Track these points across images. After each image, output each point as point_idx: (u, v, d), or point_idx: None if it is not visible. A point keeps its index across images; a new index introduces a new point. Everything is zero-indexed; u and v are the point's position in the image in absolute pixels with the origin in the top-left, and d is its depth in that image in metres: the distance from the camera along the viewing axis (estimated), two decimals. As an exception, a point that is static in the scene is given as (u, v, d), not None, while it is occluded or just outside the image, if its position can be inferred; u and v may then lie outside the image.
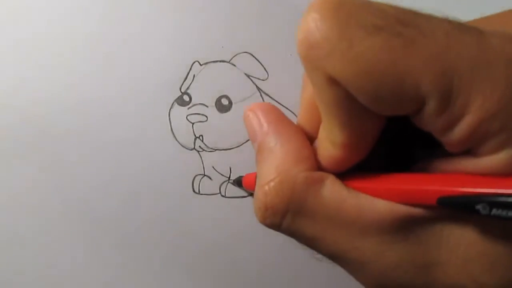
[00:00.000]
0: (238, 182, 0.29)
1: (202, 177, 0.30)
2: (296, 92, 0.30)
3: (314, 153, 0.18)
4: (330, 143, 0.17)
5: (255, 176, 0.24)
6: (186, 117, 0.30)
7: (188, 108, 0.30)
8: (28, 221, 0.30)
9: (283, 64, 0.30)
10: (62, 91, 0.30)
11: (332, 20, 0.14)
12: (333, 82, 0.15)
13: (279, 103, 0.30)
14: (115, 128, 0.30)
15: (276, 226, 0.18)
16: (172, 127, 0.30)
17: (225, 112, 0.30)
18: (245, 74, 0.30)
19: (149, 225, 0.30)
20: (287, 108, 0.30)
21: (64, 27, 0.30)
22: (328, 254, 0.18)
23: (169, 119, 0.30)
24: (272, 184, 0.17)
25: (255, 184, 0.22)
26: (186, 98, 0.30)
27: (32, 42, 0.30)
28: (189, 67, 0.30)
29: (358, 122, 0.16)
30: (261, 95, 0.30)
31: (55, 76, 0.30)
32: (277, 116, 0.20)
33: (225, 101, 0.30)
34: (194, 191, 0.30)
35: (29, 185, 0.30)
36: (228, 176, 0.30)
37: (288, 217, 0.18)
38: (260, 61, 0.30)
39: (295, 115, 0.30)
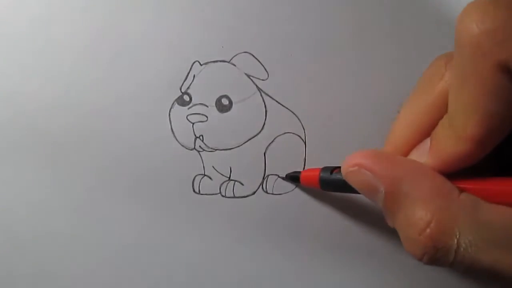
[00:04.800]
0: (293, 178, 0.29)
1: (202, 177, 0.30)
2: (296, 92, 0.30)
3: (435, 163, 0.19)
4: (455, 139, 0.17)
5: (318, 174, 0.26)
6: (186, 117, 0.30)
7: (188, 108, 0.30)
8: (28, 221, 0.30)
9: (283, 64, 0.30)
10: (62, 91, 0.30)
11: (507, 9, 0.15)
12: (502, 69, 0.15)
13: (279, 103, 0.30)
14: (115, 128, 0.30)
15: (448, 263, 0.18)
16: (172, 127, 0.30)
17: (226, 112, 0.30)
18: (245, 74, 0.30)
19: (149, 225, 0.30)
20: (287, 108, 0.30)
21: (64, 27, 0.30)
22: None
23: (169, 119, 0.30)
24: (433, 225, 0.17)
25: (317, 182, 0.25)
26: (186, 98, 0.30)
27: (33, 42, 0.30)
28: (189, 67, 0.30)
29: (505, 112, 0.16)
30: (261, 95, 0.30)
31: (55, 76, 0.30)
32: (384, 158, 0.19)
33: (225, 101, 0.30)
34: (194, 191, 0.30)
35: (29, 185, 0.30)
36: (228, 176, 0.30)
37: (460, 252, 0.17)
38: (260, 61, 0.30)
39: (295, 115, 0.30)
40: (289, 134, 0.30)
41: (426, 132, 0.21)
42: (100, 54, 0.30)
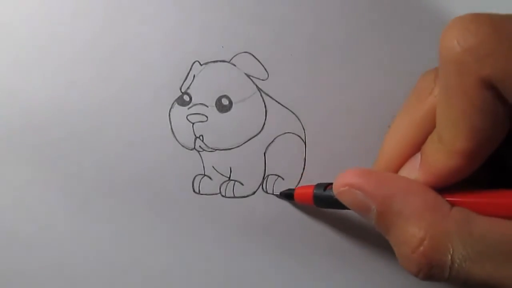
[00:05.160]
0: (287, 195, 0.29)
1: (202, 177, 0.30)
2: (296, 92, 0.30)
3: (425, 178, 0.19)
4: (445, 154, 0.17)
5: (311, 191, 0.26)
6: (186, 117, 0.30)
7: (188, 108, 0.30)
8: (28, 221, 0.30)
9: (283, 64, 0.30)
10: (62, 91, 0.30)
11: (488, 25, 0.15)
12: (485, 85, 0.15)
13: (279, 103, 0.30)
14: (115, 128, 0.30)
15: (444, 279, 0.18)
16: (172, 127, 0.30)
17: (226, 112, 0.30)
18: (245, 74, 0.30)
19: (149, 225, 0.30)
20: (287, 108, 0.30)
21: (64, 28, 0.30)
22: None
23: (169, 119, 0.30)
24: (426, 242, 0.17)
25: (311, 199, 0.25)
26: (186, 98, 0.30)
27: (32, 42, 0.30)
28: (189, 67, 0.30)
29: (492, 126, 0.16)
30: (261, 95, 0.30)
31: (55, 76, 0.30)
32: (374, 177, 0.19)
33: (225, 101, 0.30)
34: (194, 191, 0.30)
35: (29, 185, 0.30)
36: (228, 176, 0.30)
37: (454, 268, 0.17)
38: (260, 61, 0.30)
39: (295, 115, 0.30)
40: (289, 134, 0.30)
41: (417, 146, 0.21)
42: (100, 54, 0.30)
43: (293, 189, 0.29)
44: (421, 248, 0.17)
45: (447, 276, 0.18)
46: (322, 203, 0.26)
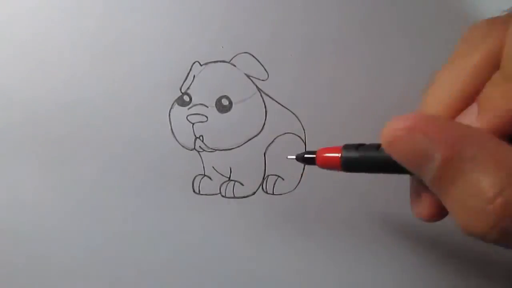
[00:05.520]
0: (307, 160, 0.24)
1: (202, 177, 0.30)
2: (296, 92, 0.30)
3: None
4: None
5: (339, 152, 0.22)
6: (186, 117, 0.30)
7: (188, 109, 0.30)
8: (28, 220, 0.30)
9: (283, 64, 0.30)
10: (62, 91, 0.30)
11: None
12: None
13: (279, 103, 0.30)
14: (115, 128, 0.30)
15: None
16: (172, 127, 0.30)
17: (225, 112, 0.30)
18: (245, 74, 0.30)
19: (149, 225, 0.30)
20: (287, 109, 0.30)
21: (64, 27, 0.30)
22: None
23: (169, 119, 0.30)
24: (507, 192, 0.15)
25: (338, 162, 0.21)
26: (186, 98, 0.30)
27: (32, 42, 0.30)
28: (189, 67, 0.30)
29: None
30: (261, 95, 0.30)
31: (55, 76, 0.30)
32: (439, 121, 0.17)
33: (225, 102, 0.30)
34: (194, 191, 0.30)
35: (29, 184, 0.30)
36: (228, 176, 0.30)
37: None
38: (260, 61, 0.30)
39: (295, 115, 0.30)
40: (289, 134, 0.30)
41: (469, 98, 0.19)
42: (100, 54, 0.30)
43: (314, 151, 0.24)
44: (500, 199, 0.15)
45: None
46: (352, 165, 0.22)
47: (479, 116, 0.18)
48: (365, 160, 0.21)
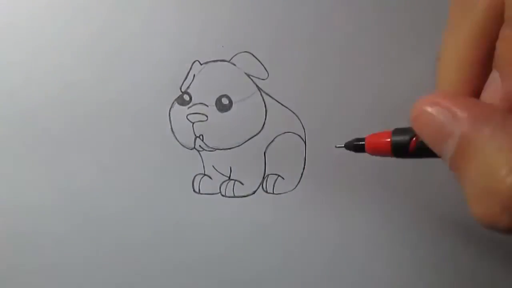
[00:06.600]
0: (356, 147, 0.24)
1: (202, 177, 0.30)
2: (296, 92, 0.30)
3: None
4: None
5: (389, 138, 0.21)
6: (186, 117, 0.30)
7: (188, 108, 0.30)
8: (28, 220, 0.30)
9: (283, 64, 0.30)
10: (62, 91, 0.30)
11: None
12: None
13: (279, 102, 0.30)
14: (115, 128, 0.30)
15: None
16: (172, 127, 0.30)
17: (226, 111, 0.30)
18: (245, 73, 0.30)
19: (149, 225, 0.30)
20: (287, 108, 0.30)
21: (65, 28, 0.30)
22: None
23: (169, 118, 0.30)
24: None
25: (389, 148, 0.21)
26: (186, 97, 0.30)
27: (33, 42, 0.30)
28: (189, 66, 0.30)
29: None
30: (261, 95, 0.30)
31: (56, 76, 0.30)
32: (461, 98, 0.17)
33: (225, 101, 0.30)
34: (194, 190, 0.30)
35: (29, 184, 0.30)
36: (228, 175, 0.30)
37: None
38: (260, 60, 0.30)
39: (295, 115, 0.30)
40: (289, 133, 0.30)
41: (485, 59, 0.18)
42: (100, 53, 0.30)
43: (362, 138, 0.24)
44: None
45: None
46: (403, 150, 0.21)
47: (503, 84, 0.17)
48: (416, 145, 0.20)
